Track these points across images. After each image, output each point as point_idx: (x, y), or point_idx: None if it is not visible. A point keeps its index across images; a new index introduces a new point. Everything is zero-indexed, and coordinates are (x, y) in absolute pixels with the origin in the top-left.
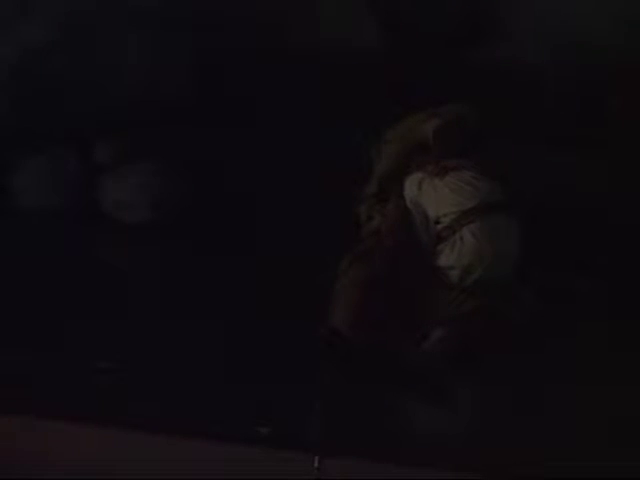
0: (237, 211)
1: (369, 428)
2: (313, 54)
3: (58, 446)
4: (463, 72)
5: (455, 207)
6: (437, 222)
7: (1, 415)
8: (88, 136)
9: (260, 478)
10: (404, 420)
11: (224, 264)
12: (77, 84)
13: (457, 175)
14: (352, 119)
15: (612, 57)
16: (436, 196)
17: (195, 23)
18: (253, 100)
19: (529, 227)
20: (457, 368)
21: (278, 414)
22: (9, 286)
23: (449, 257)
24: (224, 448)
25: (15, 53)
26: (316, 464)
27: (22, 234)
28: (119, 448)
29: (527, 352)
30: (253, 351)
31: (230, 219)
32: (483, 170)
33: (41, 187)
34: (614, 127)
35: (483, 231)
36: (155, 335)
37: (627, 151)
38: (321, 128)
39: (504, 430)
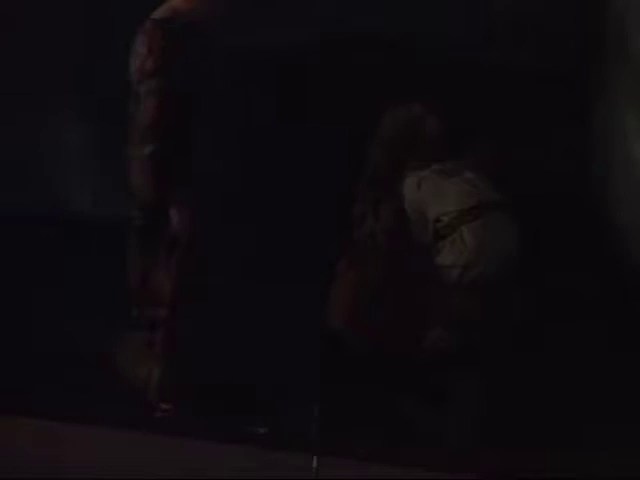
0: (233, 211)
1: (368, 428)
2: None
3: (59, 446)
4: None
5: (455, 206)
6: (438, 220)
7: (1, 415)
8: None
9: (259, 478)
10: (403, 420)
11: (223, 264)
12: None
13: (457, 174)
14: (349, 118)
15: None
16: (436, 195)
17: None
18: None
19: (528, 226)
20: (457, 368)
21: (278, 414)
22: (8, 286)
23: (448, 256)
24: (224, 448)
25: None
26: (315, 464)
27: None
28: (119, 448)
29: (527, 352)
30: (253, 351)
31: (227, 220)
32: (482, 169)
33: None
34: None
35: (483, 230)
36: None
37: None
38: (317, 127)
39: (504, 430)
